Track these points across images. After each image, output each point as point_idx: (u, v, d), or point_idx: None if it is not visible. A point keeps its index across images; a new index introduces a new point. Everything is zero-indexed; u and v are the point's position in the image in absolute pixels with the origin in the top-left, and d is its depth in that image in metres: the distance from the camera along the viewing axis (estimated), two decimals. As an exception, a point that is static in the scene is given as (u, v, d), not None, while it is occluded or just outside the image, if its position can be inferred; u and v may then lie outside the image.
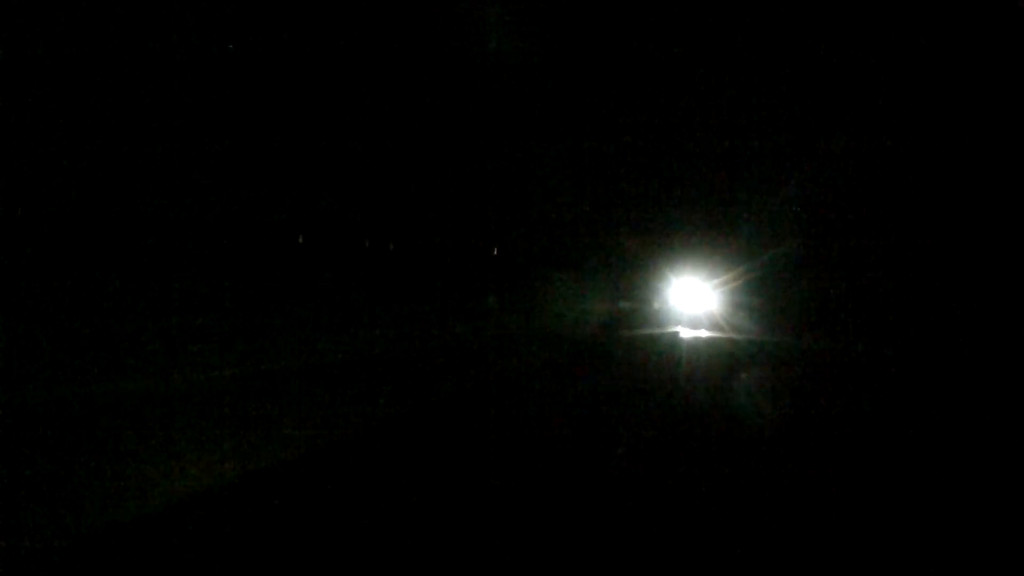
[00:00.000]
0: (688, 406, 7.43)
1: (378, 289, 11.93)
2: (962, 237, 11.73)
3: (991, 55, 10.99)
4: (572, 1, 12.33)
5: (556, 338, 13.04)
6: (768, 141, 13.29)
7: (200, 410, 6.13)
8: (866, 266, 12.61)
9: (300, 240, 10.93)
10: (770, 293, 13.67)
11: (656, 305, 15.31)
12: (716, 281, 14.44)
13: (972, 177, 11.76)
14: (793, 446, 5.66)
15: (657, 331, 14.37)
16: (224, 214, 9.77)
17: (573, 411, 6.93)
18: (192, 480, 4.22)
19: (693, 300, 14.86)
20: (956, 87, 11.44)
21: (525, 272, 14.48)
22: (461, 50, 11.67)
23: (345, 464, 4.86)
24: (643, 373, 9.92)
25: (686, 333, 13.92)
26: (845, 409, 7.12)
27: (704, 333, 13.89)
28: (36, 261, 7.77)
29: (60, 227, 8.16)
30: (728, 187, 14.43)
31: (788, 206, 13.75)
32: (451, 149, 12.77)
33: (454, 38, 11.46)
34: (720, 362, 10.77)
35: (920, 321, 11.34)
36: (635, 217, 15.16)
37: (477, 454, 5.18)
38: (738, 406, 7.41)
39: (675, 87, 13.28)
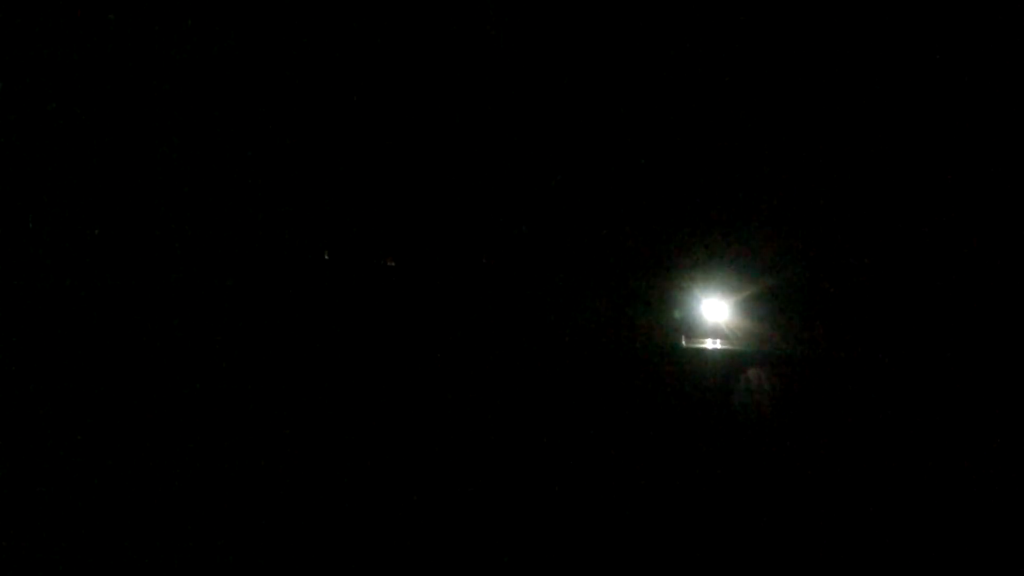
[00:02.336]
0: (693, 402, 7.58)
1: (372, 299, 11.72)
2: (967, 248, 11.67)
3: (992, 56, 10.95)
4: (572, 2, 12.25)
5: (566, 342, 13.06)
6: (782, 153, 13.33)
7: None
8: (870, 276, 12.67)
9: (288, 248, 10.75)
10: (778, 305, 13.78)
11: (676, 314, 15.54)
12: (729, 293, 14.64)
13: (977, 189, 11.70)
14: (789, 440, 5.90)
15: (670, 337, 14.68)
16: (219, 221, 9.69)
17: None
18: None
19: (706, 310, 15.16)
20: (961, 102, 11.38)
21: (531, 277, 14.45)
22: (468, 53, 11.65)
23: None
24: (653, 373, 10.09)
25: (700, 341, 14.21)
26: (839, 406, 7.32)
27: (718, 342, 14.14)
28: (40, 263, 7.83)
29: (63, 229, 8.24)
30: (740, 199, 14.48)
31: (798, 219, 13.78)
32: (460, 152, 12.68)
33: (455, 39, 11.42)
34: (726, 364, 10.93)
35: (921, 329, 11.36)
36: (650, 229, 15.24)
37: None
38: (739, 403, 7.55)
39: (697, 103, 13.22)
